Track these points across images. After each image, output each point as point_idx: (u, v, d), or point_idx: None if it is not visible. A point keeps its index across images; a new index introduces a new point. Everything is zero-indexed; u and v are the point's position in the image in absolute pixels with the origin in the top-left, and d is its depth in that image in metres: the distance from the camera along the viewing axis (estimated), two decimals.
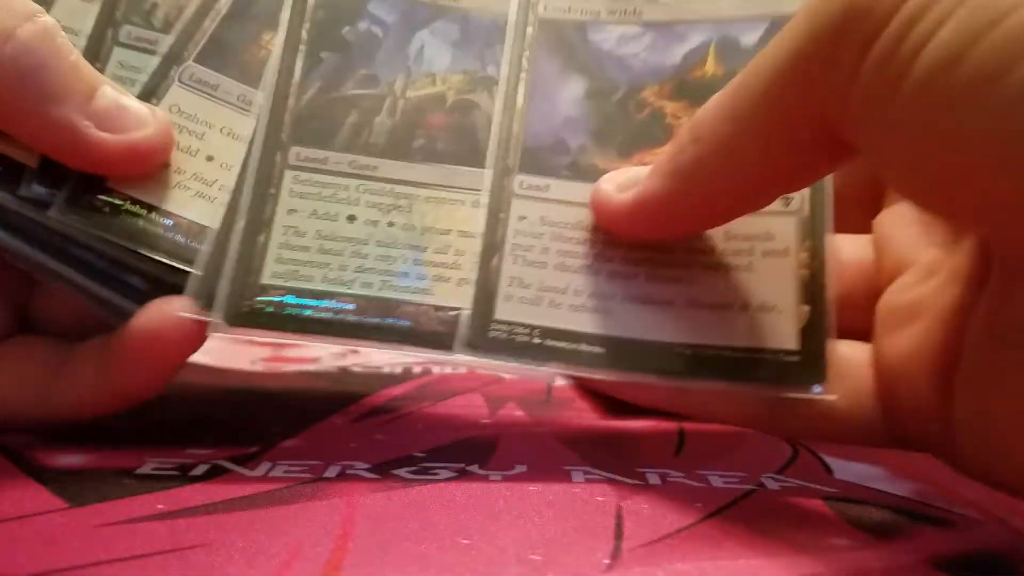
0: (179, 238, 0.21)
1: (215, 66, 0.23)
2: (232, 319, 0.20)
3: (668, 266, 0.21)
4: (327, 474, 0.20)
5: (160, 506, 0.17)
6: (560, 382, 0.32)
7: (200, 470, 0.20)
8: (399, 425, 0.25)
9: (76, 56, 0.20)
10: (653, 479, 0.20)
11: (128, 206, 0.21)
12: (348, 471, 0.20)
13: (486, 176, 0.22)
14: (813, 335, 0.20)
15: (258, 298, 0.20)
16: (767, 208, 0.20)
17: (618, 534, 0.17)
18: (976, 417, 0.17)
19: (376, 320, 0.20)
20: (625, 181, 0.20)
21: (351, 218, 0.21)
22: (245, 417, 0.26)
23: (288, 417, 0.25)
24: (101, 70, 0.22)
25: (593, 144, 0.22)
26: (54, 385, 0.21)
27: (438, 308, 0.21)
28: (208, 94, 0.22)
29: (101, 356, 0.21)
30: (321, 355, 0.37)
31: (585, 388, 0.31)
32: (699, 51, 0.23)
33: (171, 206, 0.21)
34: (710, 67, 0.22)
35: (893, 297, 0.20)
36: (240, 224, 0.21)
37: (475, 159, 0.22)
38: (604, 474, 0.20)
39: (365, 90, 0.22)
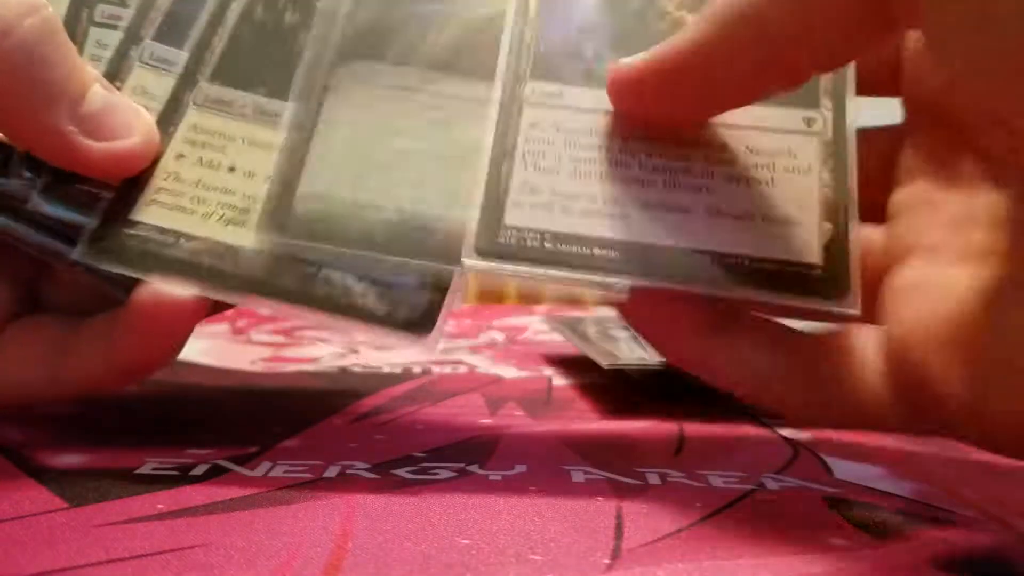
0: None
1: (173, 43, 0.23)
2: (482, 254, 0.19)
3: (687, 174, 0.20)
4: (327, 474, 0.20)
5: (160, 506, 0.18)
6: (560, 381, 0.32)
7: (200, 470, 0.20)
8: (399, 425, 0.25)
9: (73, 55, 0.20)
10: (653, 479, 0.20)
11: (104, 193, 0.21)
12: (348, 471, 0.20)
13: (496, 82, 0.21)
14: (837, 252, 0.19)
15: (500, 235, 0.19)
16: (788, 127, 0.20)
17: (618, 534, 0.17)
18: (1000, 387, 0.17)
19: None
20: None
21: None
22: (245, 417, 0.26)
23: (288, 417, 0.25)
24: (80, 49, 0.22)
25: (610, 52, 0.21)
26: (62, 362, 0.21)
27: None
28: (167, 71, 0.22)
29: (108, 331, 0.21)
30: (321, 355, 0.38)
31: (586, 388, 0.31)
32: None
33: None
34: None
35: (901, 276, 0.19)
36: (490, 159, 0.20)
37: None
38: (604, 474, 0.20)
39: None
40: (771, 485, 0.20)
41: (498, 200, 0.20)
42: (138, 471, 0.20)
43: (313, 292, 0.20)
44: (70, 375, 0.21)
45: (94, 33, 0.22)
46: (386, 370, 0.34)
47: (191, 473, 0.20)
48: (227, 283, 0.20)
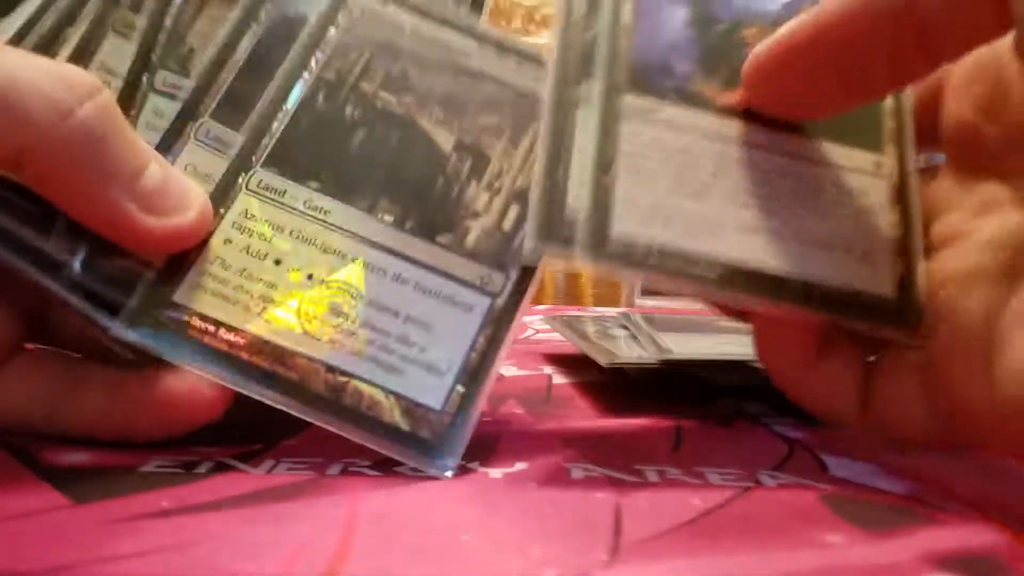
0: None
1: (230, 123, 0.22)
2: (592, 255, 0.19)
3: (777, 202, 0.21)
4: (330, 471, 0.20)
5: (164, 503, 0.18)
6: (559, 379, 0.32)
7: (204, 467, 0.20)
8: None
9: (131, 134, 0.20)
10: (651, 476, 0.20)
11: (145, 271, 0.21)
12: (350, 468, 0.20)
13: (594, 89, 0.21)
14: (907, 287, 0.21)
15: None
16: (862, 168, 0.22)
17: (616, 530, 0.17)
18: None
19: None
20: None
21: None
22: (249, 415, 0.26)
23: (291, 416, 0.25)
24: (136, 116, 0.22)
25: (699, 72, 0.22)
26: (62, 405, 0.21)
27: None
28: (221, 152, 0.22)
29: (115, 393, 0.21)
30: None
31: (585, 386, 0.31)
32: (800, 1, 0.22)
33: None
34: None
35: (938, 300, 0.21)
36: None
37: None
38: (603, 471, 0.21)
39: None
40: (767, 482, 0.20)
41: (604, 210, 0.20)
42: (142, 469, 0.20)
43: (341, 401, 0.20)
44: (67, 418, 0.21)
45: (153, 100, 0.22)
46: None
47: (195, 471, 0.20)
48: (259, 382, 0.20)
